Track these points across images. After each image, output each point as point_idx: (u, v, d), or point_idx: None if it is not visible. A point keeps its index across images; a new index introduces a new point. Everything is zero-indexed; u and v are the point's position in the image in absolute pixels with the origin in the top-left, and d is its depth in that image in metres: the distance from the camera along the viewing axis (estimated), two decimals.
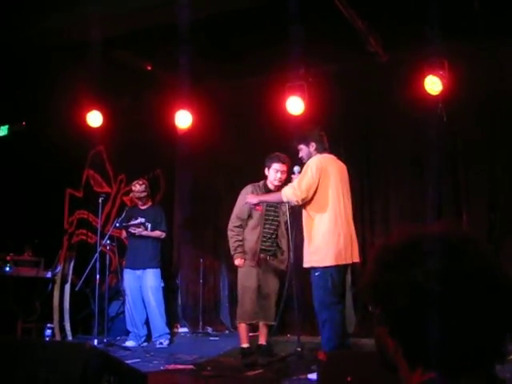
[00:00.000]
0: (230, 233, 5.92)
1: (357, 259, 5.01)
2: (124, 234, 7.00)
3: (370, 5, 5.82)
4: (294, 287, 5.58)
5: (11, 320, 6.50)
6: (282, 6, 5.29)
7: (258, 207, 5.71)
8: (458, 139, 7.01)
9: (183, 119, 7.70)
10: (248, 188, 5.93)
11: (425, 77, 6.36)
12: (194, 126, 7.72)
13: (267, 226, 5.89)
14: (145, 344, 6.74)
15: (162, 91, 7.96)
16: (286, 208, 5.73)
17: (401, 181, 7.27)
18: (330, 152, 5.20)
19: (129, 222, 6.83)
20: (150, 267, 6.79)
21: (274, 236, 5.92)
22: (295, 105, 6.98)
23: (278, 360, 5.53)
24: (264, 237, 5.87)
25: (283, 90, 7.01)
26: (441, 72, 6.28)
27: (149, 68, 7.48)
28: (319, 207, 4.90)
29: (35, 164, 7.63)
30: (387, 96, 6.93)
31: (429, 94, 6.43)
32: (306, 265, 4.95)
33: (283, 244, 5.92)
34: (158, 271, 6.85)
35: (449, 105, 6.50)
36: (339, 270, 4.86)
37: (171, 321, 7.71)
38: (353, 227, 5.08)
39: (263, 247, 5.86)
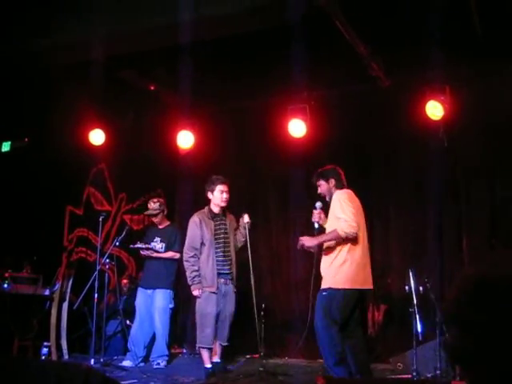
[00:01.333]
0: (185, 264, 6.03)
1: (371, 286, 5.21)
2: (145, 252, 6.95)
3: (373, 29, 5.87)
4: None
5: (8, 338, 6.46)
6: (284, 30, 5.35)
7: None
8: (459, 164, 7.02)
9: (185, 139, 7.73)
10: (195, 217, 6.10)
11: (426, 102, 6.40)
12: (196, 146, 7.75)
13: (221, 249, 6.00)
14: (141, 364, 6.67)
15: (164, 111, 8.00)
16: (244, 227, 5.95)
17: (401, 205, 7.26)
18: (347, 187, 5.35)
19: (148, 242, 6.82)
20: (159, 287, 6.74)
21: (229, 258, 6.03)
22: (297, 127, 7.02)
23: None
24: (221, 261, 5.98)
25: (285, 113, 7.05)
26: (442, 97, 6.31)
27: (152, 88, 7.52)
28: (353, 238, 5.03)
29: (36, 180, 7.66)
30: (389, 120, 6.96)
31: (430, 119, 6.46)
32: (323, 285, 5.04)
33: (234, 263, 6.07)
34: (168, 292, 6.78)
35: (450, 130, 6.53)
36: (357, 293, 5.07)
37: (177, 342, 7.65)
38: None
39: (222, 271, 5.96)
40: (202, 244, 5.95)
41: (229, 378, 5.74)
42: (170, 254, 6.83)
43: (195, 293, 5.92)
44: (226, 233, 6.03)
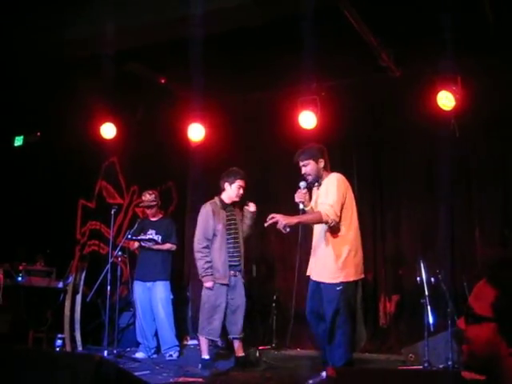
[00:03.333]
0: (197, 254, 5.93)
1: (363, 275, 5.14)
2: (134, 245, 6.98)
3: (383, 20, 5.84)
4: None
5: (23, 329, 6.53)
6: (294, 21, 5.33)
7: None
8: (471, 155, 6.98)
9: (196, 132, 7.75)
10: (207, 207, 6.03)
11: (437, 92, 6.36)
12: (207, 139, 7.77)
13: (231, 240, 5.97)
14: (154, 356, 6.73)
15: (175, 104, 8.02)
16: (249, 216, 5.94)
17: (413, 195, 7.24)
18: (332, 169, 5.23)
19: (140, 234, 6.85)
20: (159, 279, 6.79)
21: (238, 249, 6.00)
22: (307, 119, 7.01)
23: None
24: (231, 252, 5.94)
25: (296, 104, 7.05)
26: (454, 87, 6.27)
27: (162, 81, 7.53)
28: (346, 224, 4.94)
29: (49, 174, 7.71)
30: (400, 111, 6.94)
31: (441, 110, 6.42)
32: (332, 280, 4.90)
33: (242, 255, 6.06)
34: (167, 283, 6.85)
35: (461, 120, 6.49)
36: (357, 284, 5.06)
37: (181, 333, 7.70)
38: None
39: (232, 263, 5.93)
40: (214, 235, 5.92)
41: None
42: (168, 246, 6.88)
43: (208, 284, 5.85)
44: (235, 224, 6.02)
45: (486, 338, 1.32)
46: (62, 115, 7.51)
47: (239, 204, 6.17)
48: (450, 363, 5.35)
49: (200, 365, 5.90)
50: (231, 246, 5.95)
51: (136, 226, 6.90)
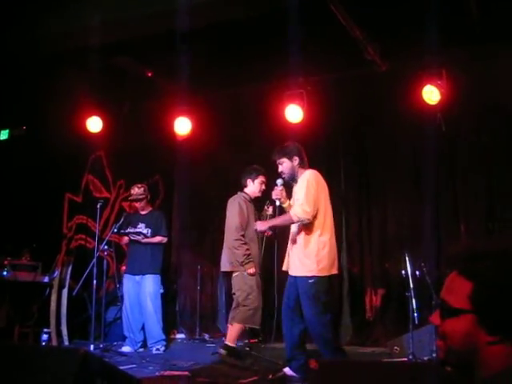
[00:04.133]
0: (236, 242, 5.89)
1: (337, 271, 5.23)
2: (124, 240, 6.97)
3: (369, 14, 5.85)
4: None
5: (8, 324, 6.51)
6: (281, 15, 5.33)
7: (267, 232, 5.73)
8: (457, 149, 7.03)
9: (182, 126, 7.74)
10: (239, 200, 6.05)
11: (423, 86, 6.39)
12: (193, 132, 7.76)
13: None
14: (141, 350, 6.73)
15: (161, 98, 8.00)
16: (266, 217, 5.88)
17: (399, 189, 7.29)
18: (309, 166, 5.28)
19: (127, 228, 6.84)
20: (149, 273, 6.78)
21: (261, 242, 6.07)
22: (294, 113, 7.02)
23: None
24: (260, 244, 6.03)
25: (282, 98, 7.05)
26: (439, 81, 6.30)
27: (149, 74, 7.51)
28: (319, 221, 5.00)
29: (35, 168, 7.66)
30: (385, 105, 6.96)
31: (427, 104, 6.46)
32: (305, 273, 4.97)
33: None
34: (157, 277, 6.84)
35: (447, 114, 6.52)
36: (332, 279, 5.14)
37: (168, 327, 7.72)
38: None
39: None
40: (247, 226, 5.96)
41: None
42: (158, 239, 6.87)
43: (251, 270, 5.80)
44: (258, 218, 6.01)
45: (465, 330, 1.33)
46: (48, 109, 7.45)
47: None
48: (434, 355, 5.40)
49: (224, 351, 5.85)
50: (259, 237, 6.01)
51: (122, 219, 6.88)
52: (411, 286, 5.62)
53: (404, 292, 5.72)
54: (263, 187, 6.10)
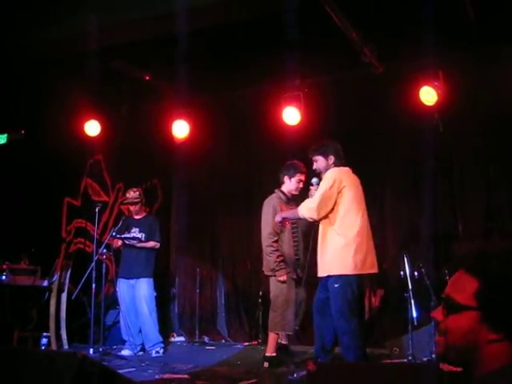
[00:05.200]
0: (268, 249, 5.82)
1: (375, 270, 5.15)
2: (118, 243, 6.96)
3: (365, 16, 5.86)
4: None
5: (7, 329, 6.50)
6: (278, 18, 5.34)
7: (286, 223, 5.72)
8: (454, 149, 7.04)
9: (180, 129, 7.75)
10: (273, 201, 5.93)
11: (420, 88, 6.40)
12: (192, 135, 7.76)
13: (295, 235, 5.93)
14: (140, 353, 6.74)
15: (159, 101, 8.02)
16: None
17: (396, 190, 7.29)
18: (345, 165, 5.25)
19: (124, 232, 6.85)
20: (143, 276, 6.80)
21: (298, 244, 5.97)
22: (291, 115, 7.03)
23: None
24: (296, 247, 5.92)
25: (279, 101, 7.06)
26: (436, 83, 6.32)
27: (147, 78, 7.51)
28: (345, 221, 4.97)
29: (33, 172, 7.66)
30: (383, 106, 6.96)
31: (424, 105, 6.47)
32: (325, 273, 4.99)
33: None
34: (151, 280, 6.86)
35: (444, 115, 6.53)
36: (361, 279, 5.05)
37: (168, 330, 7.72)
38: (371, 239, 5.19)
39: (298, 257, 5.93)
40: (281, 231, 5.86)
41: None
42: (151, 244, 6.89)
43: (282, 278, 5.74)
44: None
45: (468, 327, 1.35)
46: (47, 113, 7.46)
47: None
48: (433, 356, 5.39)
49: (266, 363, 5.78)
50: (296, 240, 5.91)
51: (121, 223, 6.90)
52: (410, 287, 5.61)
53: (403, 293, 5.71)
54: (301, 185, 5.91)
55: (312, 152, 5.24)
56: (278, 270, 5.75)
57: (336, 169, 5.11)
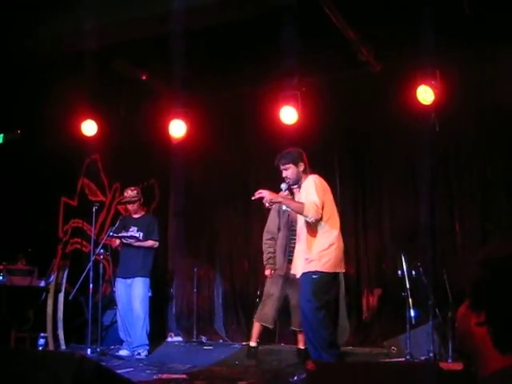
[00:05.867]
0: (263, 246, 6.14)
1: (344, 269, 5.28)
2: (116, 242, 6.93)
3: (362, 15, 5.86)
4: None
5: (5, 329, 6.48)
6: (275, 17, 5.34)
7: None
8: (451, 148, 7.05)
9: (177, 129, 7.73)
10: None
11: (417, 87, 6.40)
12: (189, 135, 7.75)
13: (292, 236, 5.84)
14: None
15: (156, 100, 8.00)
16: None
17: (394, 189, 7.29)
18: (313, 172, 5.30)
19: (122, 231, 6.83)
20: (139, 275, 6.76)
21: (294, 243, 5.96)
22: (289, 114, 7.03)
23: None
24: (292, 247, 5.85)
25: (277, 100, 7.05)
26: (433, 82, 6.32)
27: (144, 78, 7.50)
28: (330, 222, 5.06)
29: (30, 172, 7.65)
30: (380, 106, 6.96)
31: (421, 104, 6.47)
32: (307, 269, 4.99)
33: None
34: (146, 280, 6.81)
35: (442, 114, 6.53)
36: (335, 278, 5.15)
37: (165, 330, 7.70)
38: None
39: (291, 257, 5.82)
40: (279, 230, 6.01)
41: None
42: (149, 243, 6.86)
43: (266, 272, 6.06)
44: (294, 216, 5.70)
45: (461, 313, 1.38)
46: (43, 112, 7.45)
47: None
48: (431, 355, 5.41)
49: (247, 351, 6.11)
50: (293, 240, 5.74)
51: (118, 223, 6.88)
52: (408, 286, 5.63)
53: (401, 292, 5.73)
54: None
55: (282, 160, 5.27)
56: (265, 265, 6.06)
57: (315, 175, 5.19)
